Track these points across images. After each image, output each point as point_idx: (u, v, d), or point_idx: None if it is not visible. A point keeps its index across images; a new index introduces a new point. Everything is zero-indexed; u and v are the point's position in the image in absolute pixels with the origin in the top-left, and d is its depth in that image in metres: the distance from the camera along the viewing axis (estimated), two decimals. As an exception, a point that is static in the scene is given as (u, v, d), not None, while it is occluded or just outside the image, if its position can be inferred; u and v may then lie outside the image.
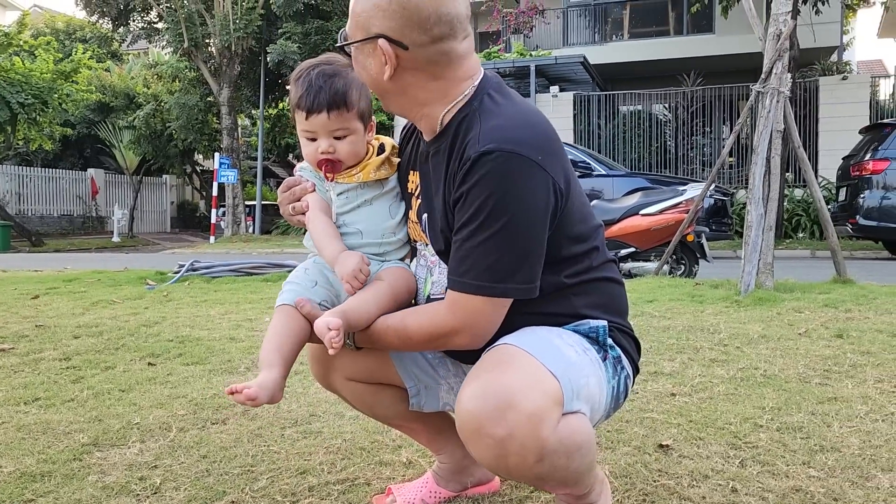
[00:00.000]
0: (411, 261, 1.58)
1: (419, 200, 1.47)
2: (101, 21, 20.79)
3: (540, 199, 1.25)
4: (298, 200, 1.52)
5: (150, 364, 3.11)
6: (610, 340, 1.40)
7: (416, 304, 1.51)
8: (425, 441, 1.74)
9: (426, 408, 1.62)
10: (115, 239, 19.66)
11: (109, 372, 2.98)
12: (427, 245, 1.47)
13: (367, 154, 1.52)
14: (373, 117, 1.52)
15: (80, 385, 2.77)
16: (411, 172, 1.51)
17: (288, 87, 20.44)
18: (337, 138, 1.46)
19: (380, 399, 1.64)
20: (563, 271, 1.37)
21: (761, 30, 5.36)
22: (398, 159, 1.56)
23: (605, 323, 1.39)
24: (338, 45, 1.39)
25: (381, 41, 1.29)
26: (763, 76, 5.08)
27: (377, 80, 1.35)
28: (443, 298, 1.38)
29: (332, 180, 1.49)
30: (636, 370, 1.49)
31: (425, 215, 1.43)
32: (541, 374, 1.23)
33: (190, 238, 22.18)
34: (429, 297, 1.48)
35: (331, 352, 1.29)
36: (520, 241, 1.25)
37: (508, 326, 1.34)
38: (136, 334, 3.75)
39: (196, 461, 1.97)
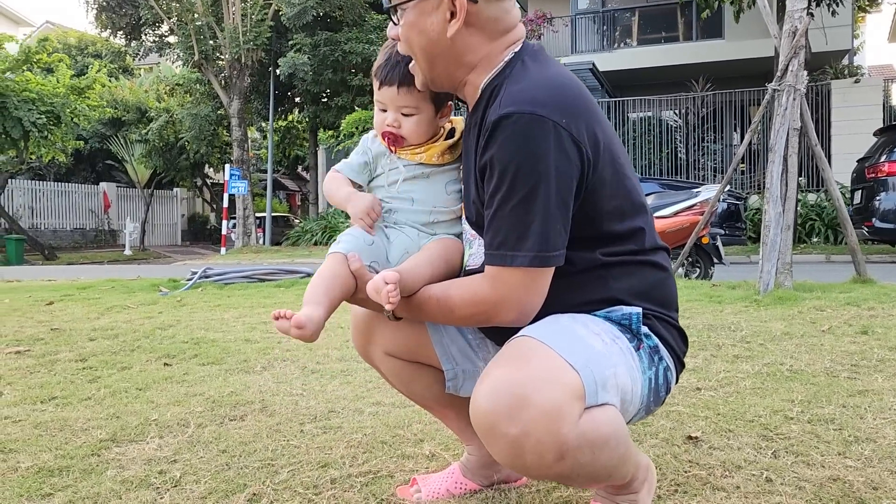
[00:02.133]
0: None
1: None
2: (112, 37, 20.95)
3: (564, 160, 1.20)
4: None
5: (165, 364, 3.08)
6: (645, 329, 1.31)
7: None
8: (456, 429, 1.70)
9: (463, 392, 1.57)
10: (127, 252, 19.74)
11: (125, 372, 2.96)
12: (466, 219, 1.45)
13: (436, 135, 1.52)
14: (450, 102, 1.51)
15: (96, 384, 2.75)
16: None
17: (297, 100, 20.48)
18: (404, 115, 1.47)
19: (417, 378, 1.61)
20: (599, 248, 1.30)
21: (776, 28, 5.32)
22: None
23: (638, 310, 1.31)
24: (391, 5, 1.32)
25: None
26: (779, 73, 5.03)
27: (437, 39, 1.31)
28: (479, 270, 1.33)
29: (393, 153, 1.50)
30: (681, 364, 1.40)
31: (462, 187, 1.42)
32: (559, 368, 1.16)
33: (201, 250, 22.24)
34: (465, 269, 1.44)
35: (388, 307, 1.27)
36: (549, 204, 1.20)
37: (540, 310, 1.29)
38: (151, 337, 3.73)
39: (215, 455, 1.93)
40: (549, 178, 1.19)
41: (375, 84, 1.48)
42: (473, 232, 1.42)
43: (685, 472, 1.73)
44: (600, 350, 1.23)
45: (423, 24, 1.30)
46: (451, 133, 1.53)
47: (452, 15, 1.28)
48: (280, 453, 1.94)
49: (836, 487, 1.61)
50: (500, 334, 1.41)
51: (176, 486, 1.73)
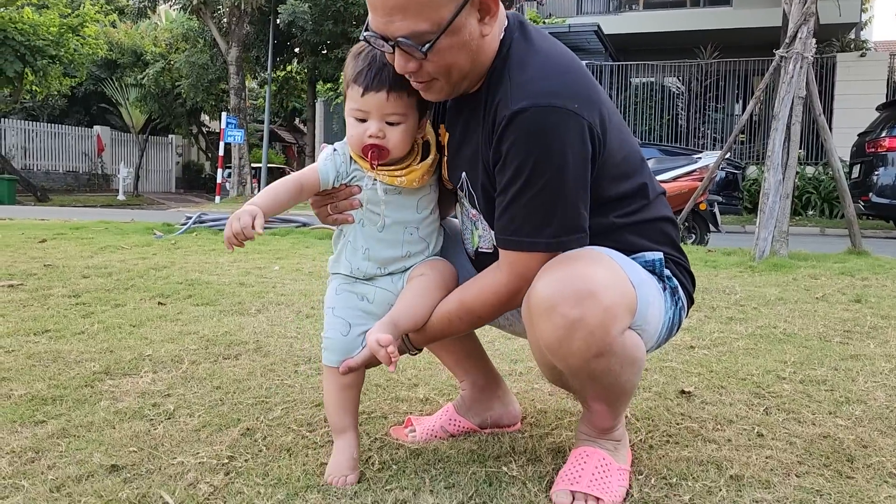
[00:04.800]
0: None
1: (448, 156, 1.43)
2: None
3: (580, 149, 1.21)
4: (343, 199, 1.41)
5: (160, 303, 3.07)
6: (667, 272, 1.38)
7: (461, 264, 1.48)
8: (452, 363, 1.71)
9: None
10: (121, 197, 19.59)
11: (119, 309, 2.94)
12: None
13: (412, 151, 1.40)
14: (429, 111, 1.41)
15: (90, 319, 2.74)
16: (440, 126, 1.46)
17: (297, 50, 19.92)
18: (389, 124, 1.33)
19: None
20: (612, 212, 1.33)
21: (787, -7, 5.23)
22: (439, 156, 1.45)
23: (660, 255, 1.37)
24: (428, 48, 1.19)
25: None
26: (787, 40, 4.96)
27: (477, 46, 1.23)
28: (491, 252, 1.35)
29: (374, 168, 1.35)
30: (691, 301, 1.47)
31: (463, 173, 1.38)
32: (622, 278, 1.22)
33: (195, 198, 22.07)
34: (477, 249, 1.46)
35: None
36: (568, 193, 1.22)
37: None
38: (145, 276, 3.72)
39: (209, 391, 1.93)
40: (566, 166, 1.20)
41: (355, 91, 1.31)
42: (475, 212, 1.41)
43: (677, 423, 1.74)
44: (645, 279, 1.30)
45: (462, 39, 1.21)
46: (426, 149, 1.42)
47: (481, 13, 1.22)
48: (274, 391, 1.95)
49: (826, 444, 1.62)
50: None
51: (170, 418, 1.73)
